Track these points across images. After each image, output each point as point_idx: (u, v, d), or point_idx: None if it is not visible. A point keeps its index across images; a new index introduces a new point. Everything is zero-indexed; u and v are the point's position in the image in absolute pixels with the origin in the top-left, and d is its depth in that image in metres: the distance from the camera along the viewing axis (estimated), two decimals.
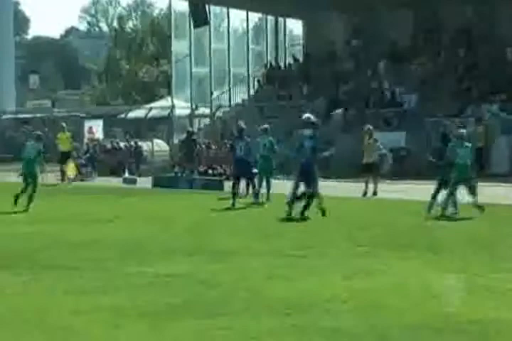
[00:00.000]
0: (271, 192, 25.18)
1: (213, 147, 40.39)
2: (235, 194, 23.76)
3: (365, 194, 26.60)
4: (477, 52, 42.15)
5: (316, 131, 21.32)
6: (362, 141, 28.00)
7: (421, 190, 27.01)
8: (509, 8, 41.24)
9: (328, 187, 27.69)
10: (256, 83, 51.78)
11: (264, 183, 25.49)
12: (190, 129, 39.69)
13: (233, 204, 23.25)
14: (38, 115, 62.09)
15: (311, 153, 20.32)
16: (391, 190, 27.13)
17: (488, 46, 41.62)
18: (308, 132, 20.70)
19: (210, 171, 37.00)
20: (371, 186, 26.75)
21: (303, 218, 19.70)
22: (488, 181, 29.41)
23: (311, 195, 20.12)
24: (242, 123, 25.88)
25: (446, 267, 12.24)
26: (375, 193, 26.65)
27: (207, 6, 47.51)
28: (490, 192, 25.44)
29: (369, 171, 27.17)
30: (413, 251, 14.31)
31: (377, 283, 11.22)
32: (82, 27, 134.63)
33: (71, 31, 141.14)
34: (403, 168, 34.45)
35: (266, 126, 26.45)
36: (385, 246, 14.92)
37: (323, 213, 19.92)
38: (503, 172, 32.97)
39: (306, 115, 21.69)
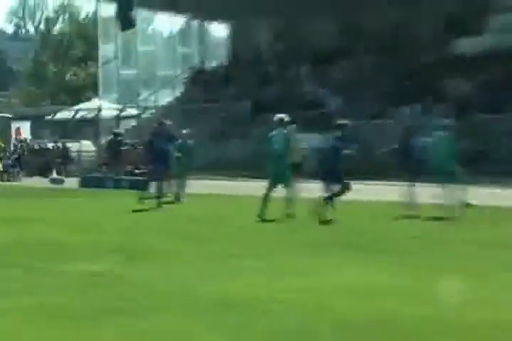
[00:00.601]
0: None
1: (139, 147, 39.87)
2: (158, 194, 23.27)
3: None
4: (398, 55, 42.41)
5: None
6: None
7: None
8: (427, 14, 41.65)
9: (257, 188, 27.51)
10: (182, 85, 51.48)
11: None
12: (116, 130, 39.35)
13: (158, 204, 22.74)
14: None
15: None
16: (317, 190, 26.77)
17: (407, 49, 41.93)
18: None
19: (136, 171, 36.52)
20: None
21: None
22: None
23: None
24: (164, 120, 25.57)
25: (395, 270, 11.94)
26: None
27: (134, 10, 47.04)
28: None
29: (293, 170, 26.89)
30: (361, 252, 13.77)
31: (322, 283, 10.91)
32: (10, 29, 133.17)
33: None
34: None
35: (187, 130, 26.10)
36: (327, 247, 14.48)
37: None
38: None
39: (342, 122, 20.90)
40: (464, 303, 9.45)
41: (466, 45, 40.05)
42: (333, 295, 10.03)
